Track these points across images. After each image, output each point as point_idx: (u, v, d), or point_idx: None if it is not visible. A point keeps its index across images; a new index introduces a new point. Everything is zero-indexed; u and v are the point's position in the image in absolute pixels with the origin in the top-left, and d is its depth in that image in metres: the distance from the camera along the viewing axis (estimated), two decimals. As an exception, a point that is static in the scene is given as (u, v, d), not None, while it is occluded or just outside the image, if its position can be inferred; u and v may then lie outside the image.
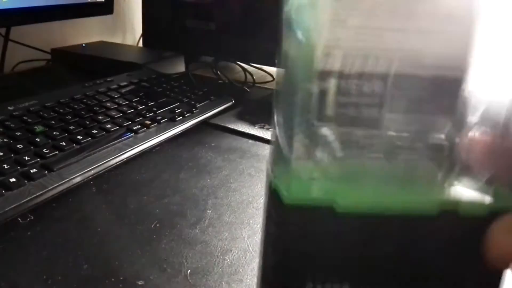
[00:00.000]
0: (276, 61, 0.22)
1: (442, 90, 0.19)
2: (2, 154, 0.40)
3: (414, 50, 0.18)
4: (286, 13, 0.20)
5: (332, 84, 0.18)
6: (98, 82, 0.61)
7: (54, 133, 0.45)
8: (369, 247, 0.20)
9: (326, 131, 0.19)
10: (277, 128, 0.22)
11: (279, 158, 0.21)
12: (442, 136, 0.20)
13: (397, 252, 0.20)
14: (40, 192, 0.37)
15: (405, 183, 0.20)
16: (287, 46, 0.20)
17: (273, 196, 0.20)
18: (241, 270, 0.32)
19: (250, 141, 0.53)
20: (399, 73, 0.18)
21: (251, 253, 0.34)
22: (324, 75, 0.18)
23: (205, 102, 0.62)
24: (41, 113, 0.49)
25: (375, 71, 0.18)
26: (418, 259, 0.20)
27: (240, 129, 0.56)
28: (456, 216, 0.19)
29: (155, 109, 0.56)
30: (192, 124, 0.56)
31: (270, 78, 0.76)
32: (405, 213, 0.19)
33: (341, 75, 0.18)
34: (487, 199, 0.20)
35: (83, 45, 0.82)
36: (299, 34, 0.18)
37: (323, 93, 0.18)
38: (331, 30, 0.18)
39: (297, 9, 0.19)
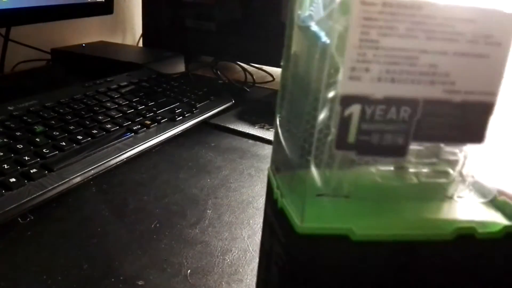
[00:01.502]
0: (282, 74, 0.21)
1: (471, 116, 0.18)
2: (2, 154, 0.40)
3: (448, 74, 0.17)
4: (303, 21, 0.19)
5: (356, 109, 0.17)
6: (98, 82, 0.61)
7: (54, 133, 0.45)
8: (383, 275, 0.19)
9: (346, 159, 0.18)
10: (286, 143, 0.20)
11: (289, 178, 0.20)
12: (456, 150, 0.19)
13: (414, 278, 0.19)
14: (40, 192, 0.37)
15: (421, 203, 0.19)
16: (305, 60, 0.18)
17: (280, 215, 0.19)
18: (241, 270, 0.32)
19: (250, 141, 0.53)
20: (430, 98, 0.17)
21: (251, 253, 0.34)
22: (349, 99, 0.17)
23: (205, 102, 0.62)
24: (41, 113, 0.49)
25: (405, 96, 0.17)
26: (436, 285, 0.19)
27: (240, 129, 0.56)
28: (472, 239, 0.18)
29: (155, 109, 0.56)
30: (192, 124, 0.56)
31: (270, 78, 0.76)
32: (421, 239, 0.18)
33: (366, 100, 0.17)
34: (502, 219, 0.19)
35: (83, 45, 0.82)
36: (324, 51, 0.17)
37: (346, 119, 0.17)
38: (360, 50, 0.16)
39: (323, 22, 0.17)
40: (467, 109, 0.17)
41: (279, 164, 0.21)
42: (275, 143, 0.21)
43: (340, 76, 0.16)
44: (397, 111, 0.17)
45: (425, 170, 0.19)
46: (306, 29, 0.19)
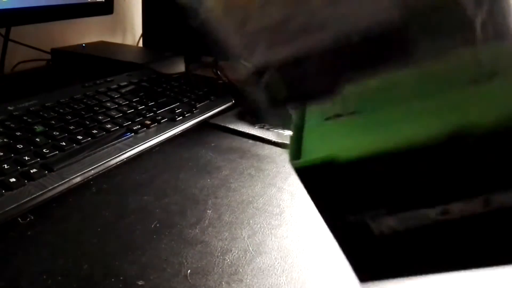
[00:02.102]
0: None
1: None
2: (2, 154, 0.40)
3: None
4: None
5: None
6: (98, 82, 0.61)
7: (54, 133, 0.45)
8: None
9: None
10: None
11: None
12: None
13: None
14: (40, 192, 0.37)
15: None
16: None
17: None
18: (241, 270, 0.32)
19: (250, 141, 0.53)
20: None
21: (251, 253, 0.34)
22: None
23: (205, 102, 0.62)
24: (41, 113, 0.49)
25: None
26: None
27: (240, 129, 0.56)
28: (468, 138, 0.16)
29: (155, 109, 0.56)
30: (192, 124, 0.56)
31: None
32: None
33: None
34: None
35: (83, 45, 0.82)
36: None
37: None
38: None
39: None
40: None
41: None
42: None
43: None
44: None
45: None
46: None
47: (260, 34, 0.18)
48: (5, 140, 0.42)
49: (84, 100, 0.55)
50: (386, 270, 0.20)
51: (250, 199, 0.41)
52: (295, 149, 0.18)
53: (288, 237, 0.36)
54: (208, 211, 0.39)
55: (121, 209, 0.38)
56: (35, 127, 0.46)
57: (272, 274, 0.32)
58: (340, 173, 0.18)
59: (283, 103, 0.19)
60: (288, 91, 0.18)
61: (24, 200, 0.36)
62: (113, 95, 0.58)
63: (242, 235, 0.36)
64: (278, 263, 0.33)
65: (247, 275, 0.31)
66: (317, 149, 0.18)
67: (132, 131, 0.49)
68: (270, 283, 0.31)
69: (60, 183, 0.39)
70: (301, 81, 0.18)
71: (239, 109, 0.63)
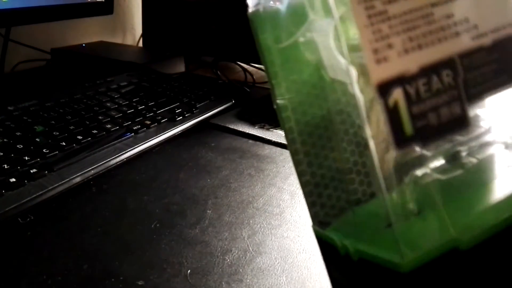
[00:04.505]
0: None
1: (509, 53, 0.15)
2: (2, 154, 0.40)
3: (468, 18, 0.15)
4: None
5: (399, 94, 0.14)
6: (98, 82, 0.61)
7: (54, 133, 0.46)
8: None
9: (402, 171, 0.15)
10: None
11: (347, 227, 0.17)
12: None
13: None
14: (40, 192, 0.37)
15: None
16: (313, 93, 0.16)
17: (362, 269, 0.17)
18: (241, 270, 0.32)
19: (250, 141, 0.53)
20: (463, 51, 0.15)
21: (251, 253, 0.34)
22: (386, 86, 0.14)
23: (205, 102, 0.62)
24: (41, 113, 0.49)
25: (439, 59, 0.15)
26: None
27: (240, 129, 0.56)
28: None
29: (155, 109, 0.56)
30: (192, 124, 0.56)
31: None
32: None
33: (404, 79, 0.14)
34: None
35: (83, 45, 0.82)
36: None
37: (393, 110, 0.14)
38: (373, 27, 0.14)
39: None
40: (502, 48, 0.16)
41: (322, 217, 0.19)
42: (311, 196, 0.19)
43: (365, 66, 0.14)
44: (439, 78, 0.15)
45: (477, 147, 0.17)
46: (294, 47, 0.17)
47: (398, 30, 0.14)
48: (5, 140, 0.42)
49: (84, 100, 0.55)
50: None
51: (250, 199, 0.41)
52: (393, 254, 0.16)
53: (288, 237, 0.36)
54: (208, 211, 0.39)
55: (121, 209, 0.38)
56: (35, 127, 0.46)
57: (272, 274, 0.32)
58: (461, 260, 0.16)
59: (409, 141, 0.15)
60: (414, 125, 0.15)
61: (24, 200, 0.36)
62: (113, 95, 0.58)
63: (242, 235, 0.36)
64: (278, 263, 0.33)
65: (247, 275, 0.31)
66: (422, 245, 0.16)
67: (132, 131, 0.49)
68: (270, 283, 0.31)
69: (60, 183, 0.39)
70: (431, 108, 0.15)
71: (239, 109, 0.63)
